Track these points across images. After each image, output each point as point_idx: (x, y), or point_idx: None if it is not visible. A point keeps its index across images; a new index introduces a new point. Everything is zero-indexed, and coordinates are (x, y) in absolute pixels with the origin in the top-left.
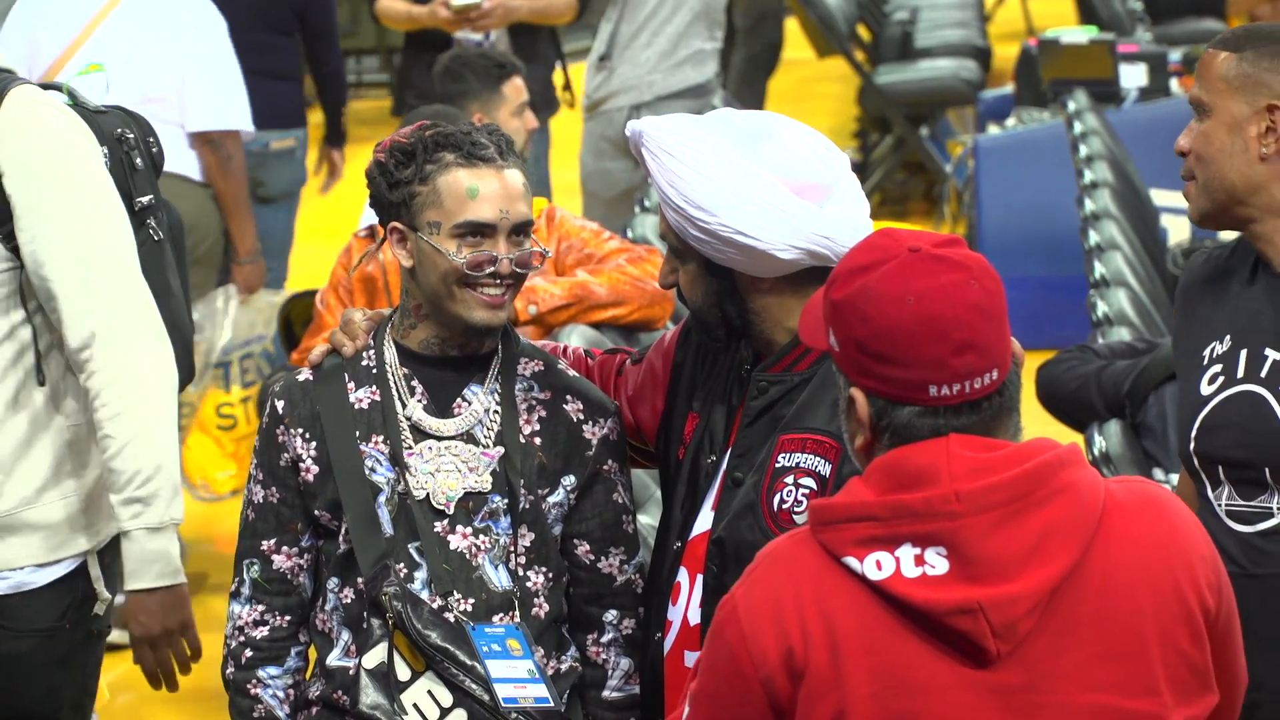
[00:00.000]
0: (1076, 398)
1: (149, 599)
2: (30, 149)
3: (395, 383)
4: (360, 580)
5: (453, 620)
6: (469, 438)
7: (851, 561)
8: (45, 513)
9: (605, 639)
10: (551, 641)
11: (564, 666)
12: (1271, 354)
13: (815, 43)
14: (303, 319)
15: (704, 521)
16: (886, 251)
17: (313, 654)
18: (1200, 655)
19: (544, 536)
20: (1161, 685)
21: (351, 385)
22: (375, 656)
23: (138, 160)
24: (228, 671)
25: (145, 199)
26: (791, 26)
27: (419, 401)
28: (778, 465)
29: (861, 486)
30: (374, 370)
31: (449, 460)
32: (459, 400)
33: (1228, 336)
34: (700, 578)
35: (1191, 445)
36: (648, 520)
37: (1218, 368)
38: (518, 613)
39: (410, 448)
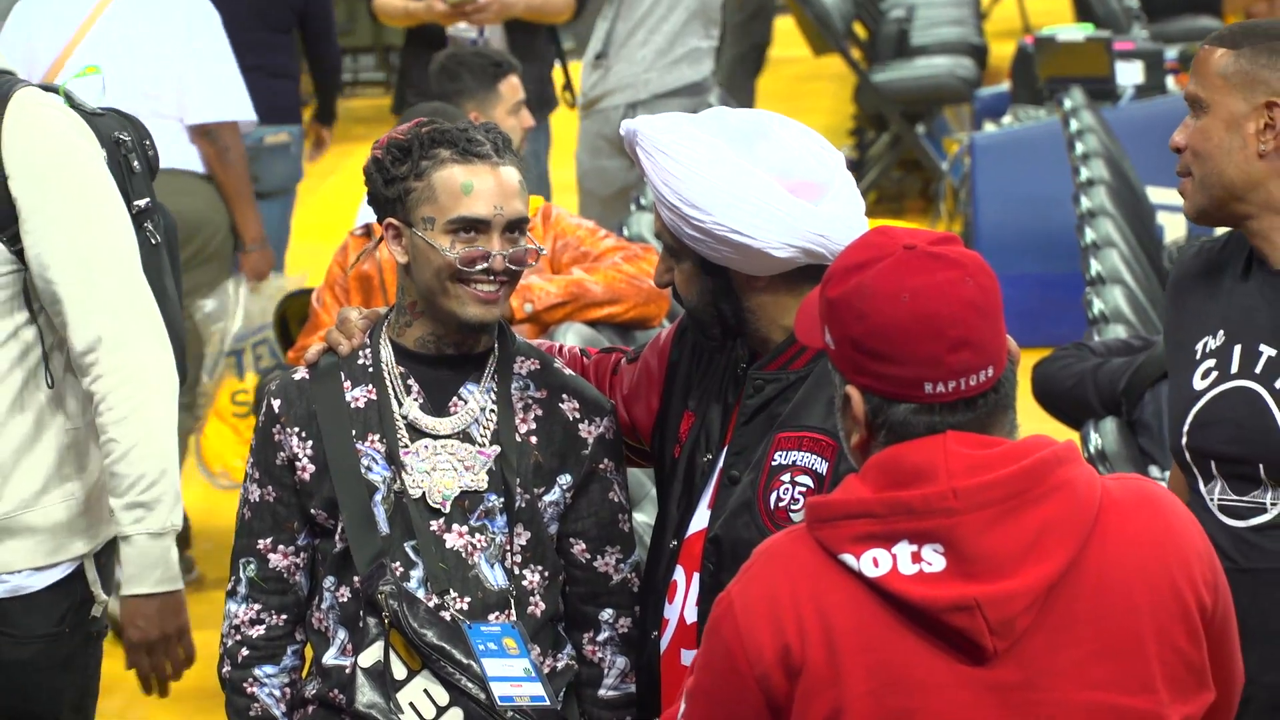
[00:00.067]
0: (1072, 395)
1: (147, 604)
2: (36, 151)
3: (391, 381)
4: (356, 579)
5: (449, 619)
6: (465, 436)
7: (848, 558)
8: (44, 515)
9: (601, 638)
10: (547, 640)
11: (560, 665)
12: (1266, 350)
13: (811, 41)
14: (299, 317)
15: (700, 520)
16: (882, 249)
17: (309, 653)
18: (1197, 653)
19: (540, 535)
20: (1158, 683)
21: (348, 384)
22: (371, 655)
23: (135, 163)
24: (224, 670)
25: (142, 202)
26: (788, 24)
27: (415, 400)
28: (774, 463)
29: (858, 484)
30: (370, 369)
31: (445, 459)
32: (455, 399)
33: (1221, 331)
34: (697, 576)
35: (1184, 440)
36: (643, 518)
37: (1211, 362)
38: (514, 611)
39: (406, 446)
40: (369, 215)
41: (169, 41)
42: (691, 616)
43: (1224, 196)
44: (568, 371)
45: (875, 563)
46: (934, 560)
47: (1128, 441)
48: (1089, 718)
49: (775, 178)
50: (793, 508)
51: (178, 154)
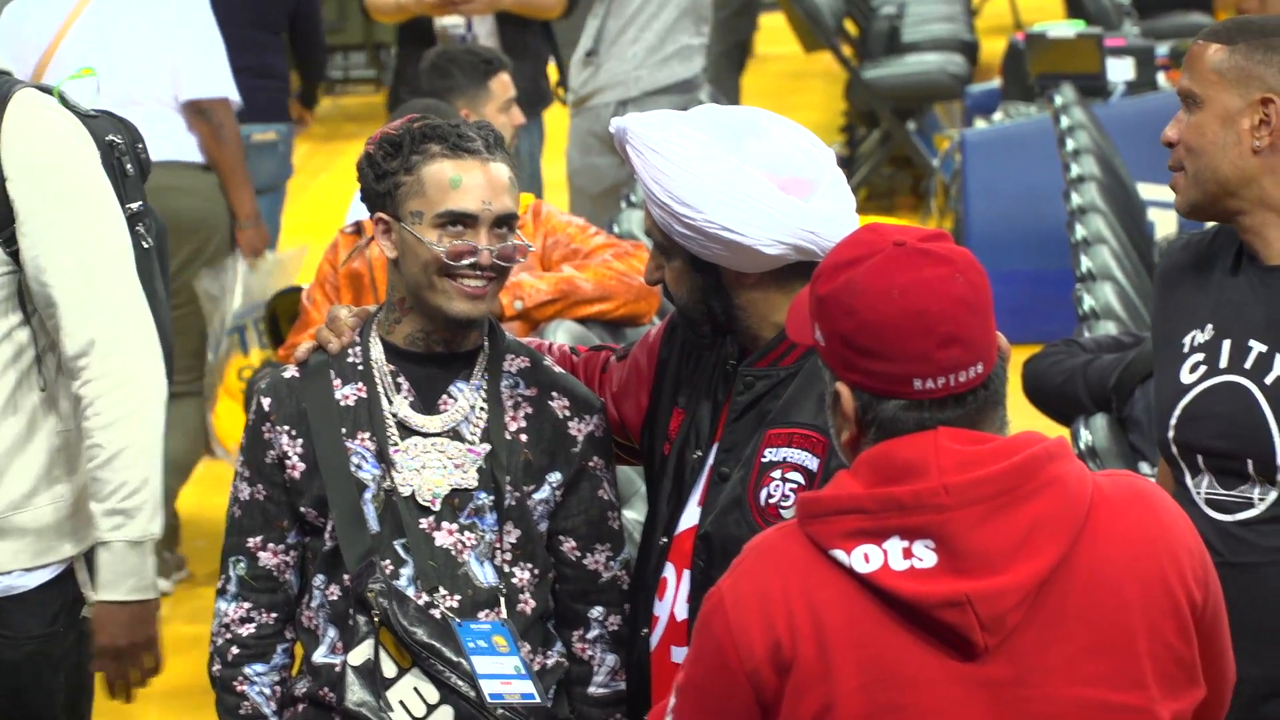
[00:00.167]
0: (1063, 392)
1: (120, 611)
2: (35, 154)
3: (381, 379)
4: (346, 577)
5: (439, 617)
6: (455, 434)
7: (839, 554)
8: (34, 517)
9: (591, 635)
10: (537, 637)
11: (550, 662)
12: (1257, 346)
13: (802, 38)
14: (289, 315)
15: (690, 517)
16: (872, 246)
17: (299, 651)
18: (1187, 649)
19: (530, 533)
20: (1149, 679)
21: (337, 382)
22: (361, 653)
23: (128, 166)
24: (214, 669)
25: (135, 205)
26: (779, 21)
27: (405, 398)
28: (764, 460)
29: (849, 479)
30: (360, 367)
31: (435, 457)
32: (445, 397)
33: (1210, 325)
34: (687, 573)
35: (1171, 434)
36: (633, 516)
37: (1199, 356)
38: (503, 609)
39: (396, 444)
40: (359, 213)
41: (161, 21)
42: (682, 614)
43: (1218, 192)
44: (557, 369)
45: (866, 558)
46: (925, 556)
47: (1118, 438)
48: (1080, 714)
49: (766, 175)
50: (783, 504)
51: (173, 144)
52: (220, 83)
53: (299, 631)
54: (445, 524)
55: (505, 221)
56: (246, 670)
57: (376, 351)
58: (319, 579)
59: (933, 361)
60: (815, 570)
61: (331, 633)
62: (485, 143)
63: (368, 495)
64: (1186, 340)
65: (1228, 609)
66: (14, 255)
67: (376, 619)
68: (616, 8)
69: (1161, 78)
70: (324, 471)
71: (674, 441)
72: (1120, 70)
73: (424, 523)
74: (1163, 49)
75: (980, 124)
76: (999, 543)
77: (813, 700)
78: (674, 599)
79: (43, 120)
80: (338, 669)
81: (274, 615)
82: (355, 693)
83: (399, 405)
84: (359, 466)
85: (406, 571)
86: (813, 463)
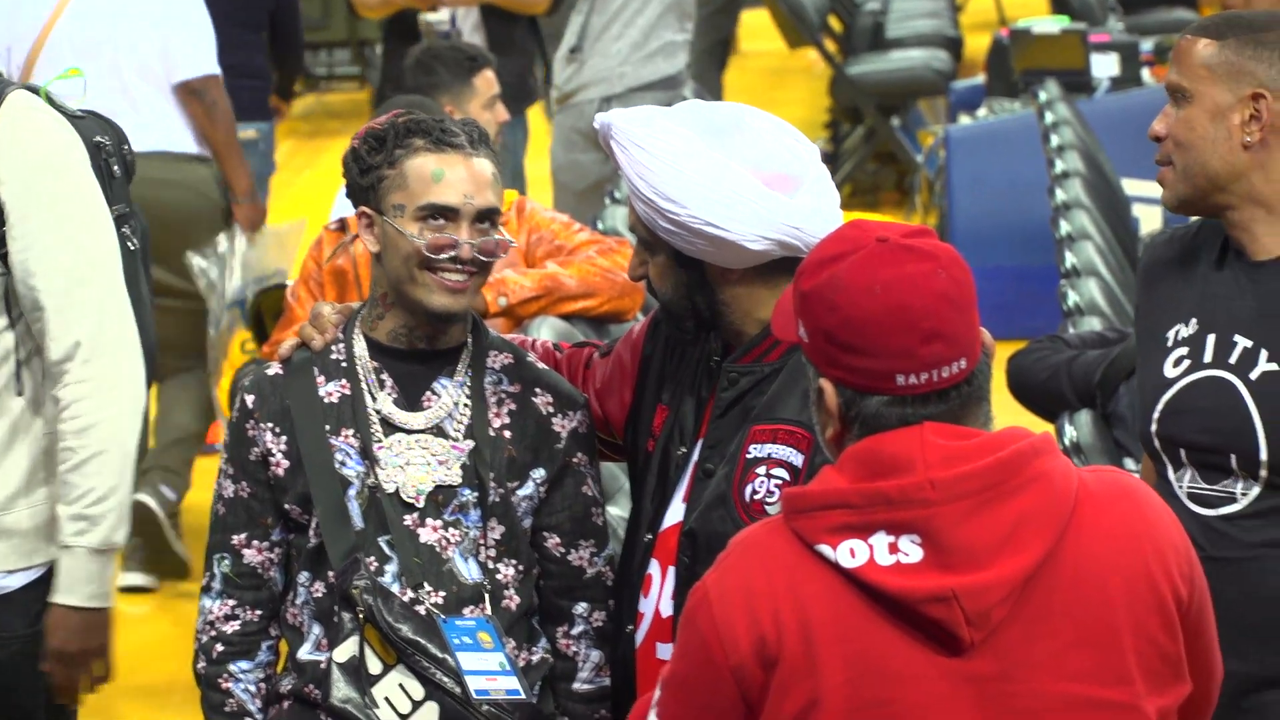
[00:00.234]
0: (1047, 388)
1: (74, 616)
2: (28, 156)
3: (365, 376)
4: (331, 574)
5: (424, 613)
6: (439, 431)
7: (825, 549)
8: (18, 520)
9: (576, 631)
10: (522, 634)
11: (535, 659)
12: (1241, 340)
13: (786, 34)
14: (273, 312)
15: (675, 513)
16: (855, 242)
17: (284, 648)
18: (1173, 644)
19: (514, 529)
20: (1134, 674)
21: (321, 379)
22: (346, 650)
23: (115, 168)
24: (199, 666)
25: (121, 207)
26: (762, 18)
27: (389, 395)
28: (749, 456)
29: (835, 475)
30: (343, 364)
31: (419, 453)
32: (429, 393)
33: (1194, 320)
34: (672, 570)
35: (1154, 427)
36: (617, 512)
37: (1183, 350)
38: (488, 605)
39: (380, 441)
40: (344, 209)
41: (150, 3)
42: (667, 610)
43: (1207, 187)
44: (541, 366)
45: (852, 553)
46: (911, 551)
47: (1102, 434)
48: (1065, 709)
49: (750, 171)
50: (768, 500)
51: (164, 134)
52: (211, 61)
53: (284, 628)
54: (429, 520)
55: (487, 216)
56: (231, 667)
57: (360, 348)
58: (303, 576)
59: (915, 357)
60: (801, 565)
61: (316, 630)
62: (469, 138)
63: (352, 492)
64: (1170, 334)
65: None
66: (2, 258)
67: (361, 616)
68: (600, 4)
69: (1146, 73)
70: (308, 468)
71: (658, 438)
72: (1105, 66)
73: (408, 519)
74: (1147, 45)
75: (965, 120)
76: (985, 538)
77: (798, 695)
78: (659, 596)
79: (36, 123)
80: (323, 666)
81: (258, 612)
82: (340, 689)
83: (383, 402)
84: (343, 463)
85: (391, 568)
86: (797, 459)
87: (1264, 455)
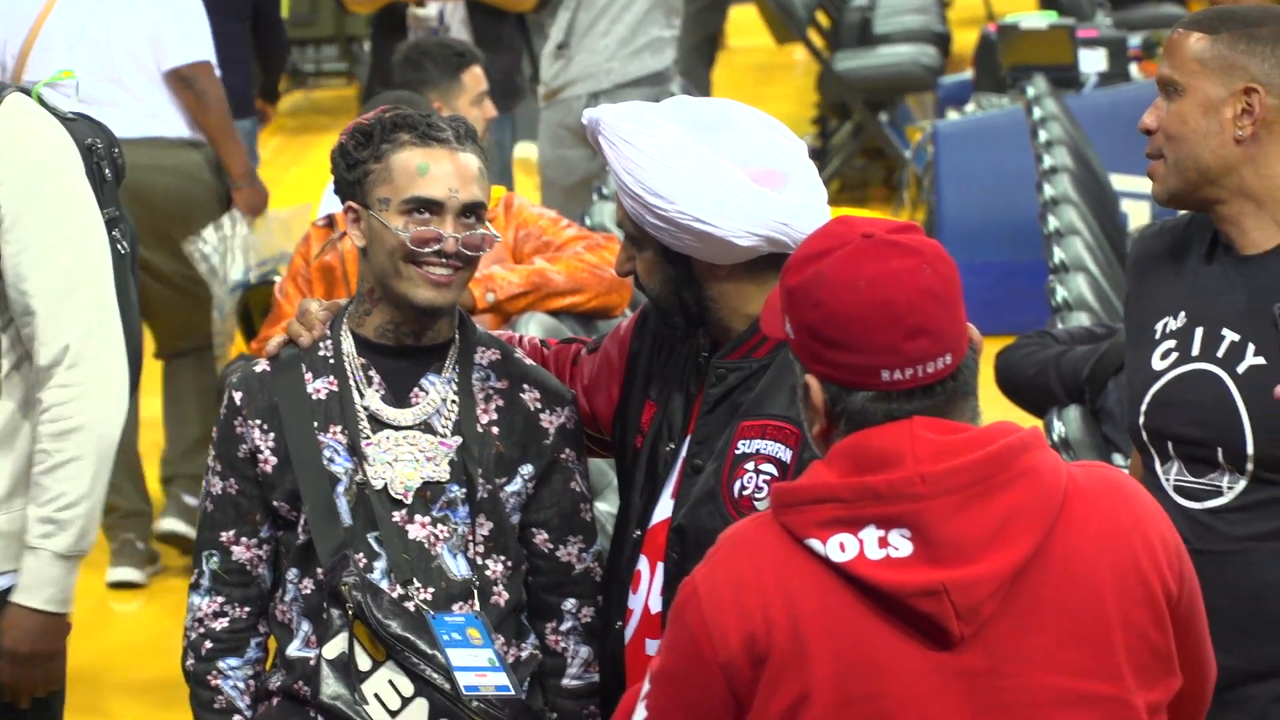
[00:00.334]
0: (1036, 383)
1: (31, 618)
2: (25, 161)
3: (352, 372)
4: (319, 570)
5: (413, 609)
6: (427, 427)
7: (814, 543)
8: (9, 521)
9: (564, 627)
10: (511, 630)
11: (524, 655)
12: (1229, 334)
13: (774, 29)
14: (261, 308)
15: (664, 509)
16: (840, 238)
17: (272, 645)
18: (1163, 639)
19: (502, 525)
20: (1124, 669)
21: (309, 376)
22: (336, 647)
23: (106, 171)
24: (188, 663)
25: (112, 211)
26: (750, 13)
27: (376, 391)
28: (738, 452)
29: (824, 469)
30: (331, 360)
31: (407, 450)
32: (416, 390)
33: (1182, 313)
34: (661, 566)
35: (1142, 420)
36: (606, 508)
37: (1171, 343)
38: (477, 601)
39: (368, 438)
40: (332, 206)
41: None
42: (656, 606)
43: (1198, 180)
44: (529, 362)
45: (842, 547)
46: (901, 545)
47: (1091, 429)
48: (1054, 703)
49: (738, 166)
50: (757, 496)
51: (156, 120)
52: (201, 47)
53: (272, 625)
54: (418, 517)
55: (472, 210)
56: (220, 664)
57: (347, 345)
58: (292, 573)
59: (900, 353)
60: (790, 560)
61: (305, 626)
62: (455, 133)
63: (340, 488)
64: (1159, 327)
65: None
66: None
67: (350, 612)
68: (587, 0)
69: (1134, 69)
70: (296, 465)
71: (646, 434)
72: (1093, 61)
73: (397, 516)
74: (1135, 40)
75: (953, 115)
76: (974, 532)
77: (788, 690)
78: (648, 592)
79: (33, 127)
80: (312, 662)
81: (247, 609)
82: (330, 686)
83: (370, 398)
84: (331, 460)
85: (380, 564)
86: (786, 454)
87: (1250, 449)
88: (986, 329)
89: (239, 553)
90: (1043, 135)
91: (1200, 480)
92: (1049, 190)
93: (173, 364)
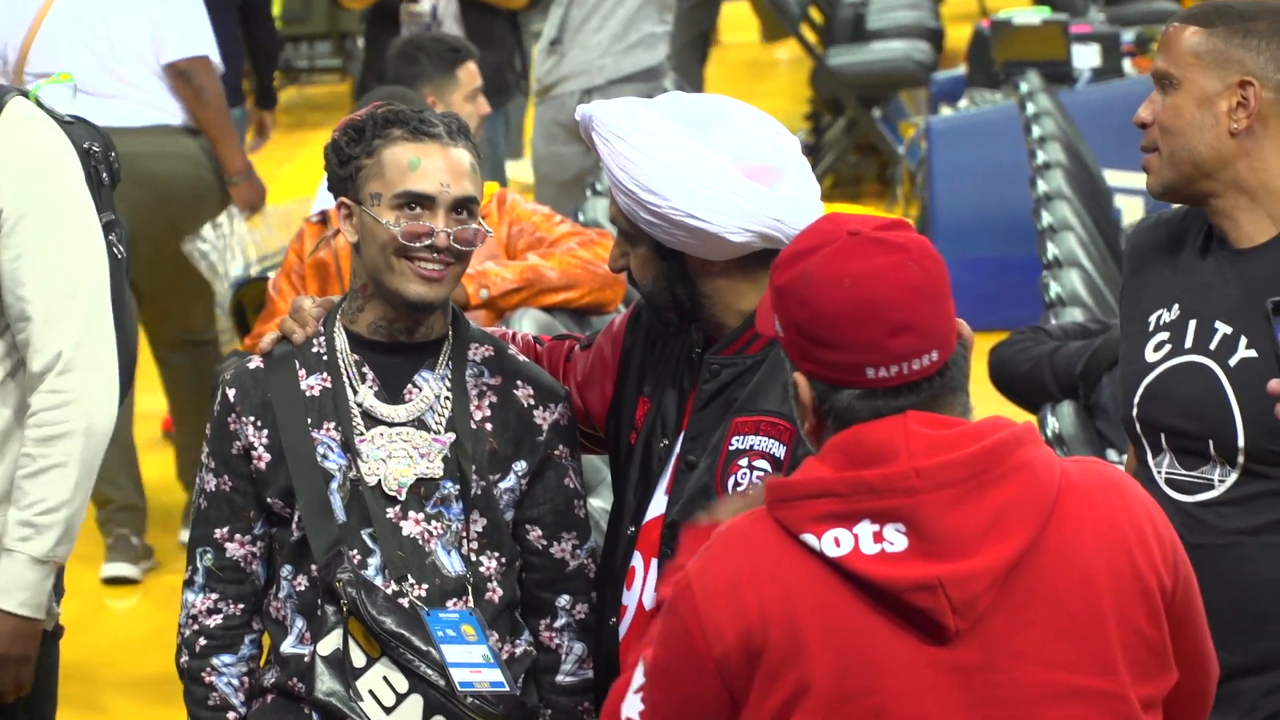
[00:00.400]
0: (1029, 379)
1: (3, 620)
2: (27, 167)
3: (346, 369)
4: (314, 567)
5: (407, 606)
6: (420, 424)
7: (809, 539)
8: (2, 524)
9: (558, 624)
10: (505, 626)
11: (518, 651)
12: (1222, 327)
13: (767, 25)
14: (255, 304)
15: (658, 506)
16: (827, 236)
17: (266, 642)
18: (1157, 634)
19: (496, 522)
20: (1118, 663)
21: (302, 372)
22: (330, 643)
23: (103, 175)
24: (182, 660)
25: (108, 215)
26: (743, 10)
27: (370, 388)
28: (731, 448)
29: (818, 465)
30: (324, 357)
31: (400, 446)
32: (410, 386)
33: (1176, 305)
34: (655, 562)
35: (1135, 411)
36: (599, 504)
37: (1164, 335)
38: (471, 598)
39: (362, 434)
40: (325, 202)
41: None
42: (650, 603)
43: (1193, 173)
44: (522, 358)
45: (837, 542)
46: (896, 540)
47: (1085, 425)
48: (1049, 698)
49: (731, 162)
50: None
51: (159, 109)
52: (199, 42)
53: (266, 622)
54: (412, 513)
55: (464, 205)
56: (214, 661)
57: (341, 341)
58: (286, 569)
59: (884, 350)
60: (786, 555)
61: (299, 623)
62: (447, 129)
63: (334, 485)
64: (1153, 319)
65: None
66: None
67: (345, 608)
68: None
69: (1128, 64)
70: (290, 462)
71: (640, 431)
72: (1086, 57)
73: (390, 512)
74: (1129, 35)
75: (946, 111)
76: (969, 526)
77: (784, 685)
78: (642, 588)
79: (35, 133)
80: (306, 659)
81: (241, 606)
82: (325, 682)
83: (364, 395)
84: (325, 456)
85: (374, 561)
86: (780, 450)
87: (1241, 441)
88: (980, 325)
89: (233, 550)
90: (1036, 131)
91: (1191, 473)
92: (1042, 186)
93: (172, 371)
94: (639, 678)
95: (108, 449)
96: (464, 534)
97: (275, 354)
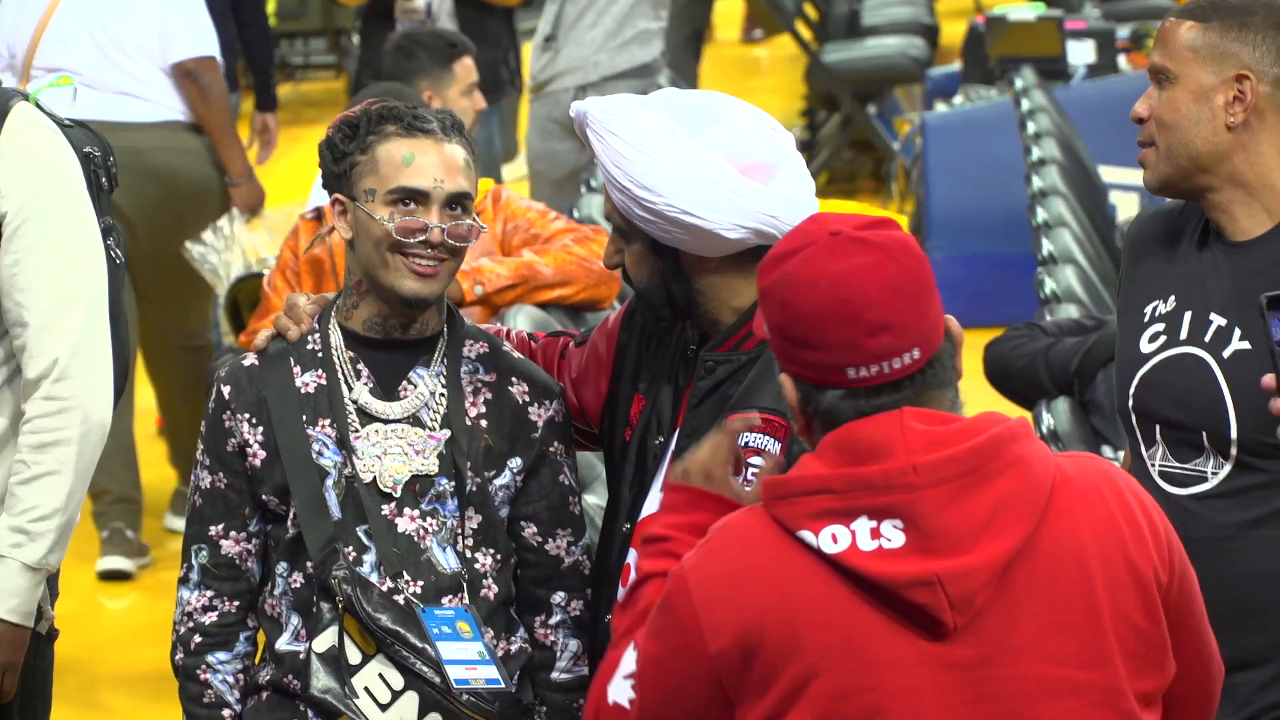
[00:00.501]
0: (1024, 375)
1: None
2: (30, 173)
3: (341, 366)
4: (309, 564)
5: (402, 603)
6: (415, 420)
7: (807, 535)
8: None
9: (553, 621)
10: (500, 623)
11: (514, 648)
12: (1216, 319)
13: (762, 21)
14: (250, 301)
15: (653, 503)
16: (808, 236)
17: (261, 639)
18: (1154, 627)
19: (491, 519)
20: (1114, 657)
21: (297, 369)
22: (325, 640)
23: (103, 179)
24: (177, 657)
25: (106, 220)
26: (737, 5)
27: (365, 385)
28: None
29: (815, 461)
30: (319, 354)
31: (395, 443)
32: (405, 383)
33: (1172, 297)
34: None
35: (1130, 402)
36: (594, 501)
37: (1159, 326)
38: (466, 595)
39: (357, 431)
40: (320, 199)
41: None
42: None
43: (1190, 167)
44: (517, 355)
45: (834, 539)
46: (893, 536)
47: (1080, 421)
48: (1046, 692)
49: (726, 159)
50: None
51: (167, 106)
52: (206, 43)
53: (261, 619)
54: (407, 510)
55: (458, 201)
56: (209, 658)
57: (336, 338)
58: (281, 566)
59: (862, 349)
60: (783, 552)
61: (295, 620)
62: (441, 125)
63: (329, 482)
64: (1148, 310)
65: None
66: None
67: (340, 605)
68: None
69: (1122, 60)
70: (285, 459)
71: (635, 428)
72: (1081, 53)
73: (386, 509)
74: (1124, 32)
75: (941, 107)
76: (967, 522)
77: (781, 683)
78: None
79: (38, 139)
80: (302, 656)
81: (236, 603)
82: (320, 680)
83: (359, 392)
84: (320, 453)
85: (369, 558)
86: (775, 447)
87: (1234, 433)
88: (975, 320)
89: (228, 547)
90: (1031, 127)
91: (1185, 465)
92: (1037, 182)
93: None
94: (629, 664)
95: (106, 440)
96: (459, 531)
97: (270, 351)
